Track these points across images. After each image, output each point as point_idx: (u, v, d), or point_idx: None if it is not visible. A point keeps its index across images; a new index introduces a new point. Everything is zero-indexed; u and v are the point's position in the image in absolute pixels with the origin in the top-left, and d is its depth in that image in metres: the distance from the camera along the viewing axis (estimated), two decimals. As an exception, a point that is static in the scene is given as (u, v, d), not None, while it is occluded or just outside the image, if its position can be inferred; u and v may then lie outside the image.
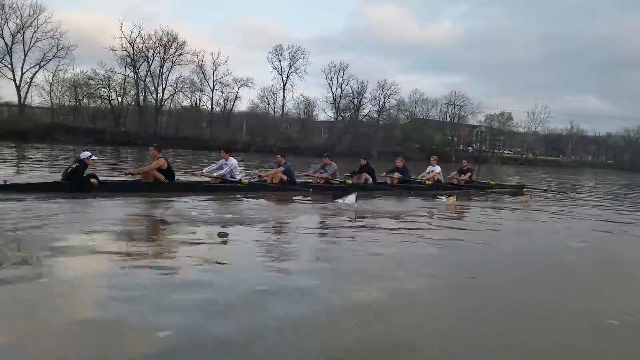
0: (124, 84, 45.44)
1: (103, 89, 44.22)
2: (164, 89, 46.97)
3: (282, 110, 54.43)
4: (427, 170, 12.41)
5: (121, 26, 46.58)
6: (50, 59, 40.76)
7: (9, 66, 39.81)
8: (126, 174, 8.24)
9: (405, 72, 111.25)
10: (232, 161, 9.08)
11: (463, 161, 13.70)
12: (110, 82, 44.41)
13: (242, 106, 61.00)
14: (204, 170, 9.36)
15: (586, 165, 71.43)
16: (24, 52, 40.25)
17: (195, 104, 49.91)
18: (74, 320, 2.63)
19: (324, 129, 60.09)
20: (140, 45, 44.77)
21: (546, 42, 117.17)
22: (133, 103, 46.40)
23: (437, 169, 12.28)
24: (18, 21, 39.47)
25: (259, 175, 10.20)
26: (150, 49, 45.29)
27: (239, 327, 2.68)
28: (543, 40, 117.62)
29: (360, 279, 3.89)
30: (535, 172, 40.38)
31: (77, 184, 7.25)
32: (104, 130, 40.31)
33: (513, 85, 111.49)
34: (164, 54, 45.82)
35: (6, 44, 39.38)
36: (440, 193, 10.80)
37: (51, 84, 42.12)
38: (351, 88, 58.83)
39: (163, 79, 46.53)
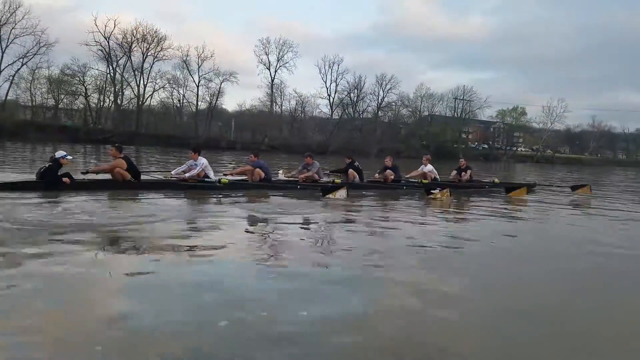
0: (105, 80, 46.45)
1: (80, 86, 45.19)
2: (145, 85, 47.89)
3: (272, 107, 54.65)
4: (419, 170, 12.46)
5: (95, 20, 45.81)
6: (32, 57, 42.15)
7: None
8: (83, 173, 8.44)
9: (436, 69, 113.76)
10: (202, 161, 9.21)
11: (460, 160, 13.72)
12: (88, 78, 45.52)
13: (232, 103, 61.92)
14: (172, 172, 9.52)
15: (612, 164, 69.79)
16: (1, 49, 41.62)
17: (179, 100, 50.84)
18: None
19: (331, 126, 60.06)
20: (120, 38, 45.83)
21: (585, 35, 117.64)
22: (111, 100, 47.42)
23: (429, 167, 12.30)
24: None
25: (230, 174, 10.22)
26: (126, 44, 46.11)
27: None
28: (581, 32, 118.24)
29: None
30: (541, 171, 39.64)
31: (49, 183, 7.62)
32: (77, 127, 41.14)
33: (549, 81, 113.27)
34: (146, 49, 46.80)
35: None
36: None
37: (31, 81, 43.55)
38: (348, 82, 59.21)
39: (144, 74, 47.50)
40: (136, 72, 47.12)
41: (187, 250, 4.45)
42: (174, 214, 6.39)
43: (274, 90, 54.37)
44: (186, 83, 50.41)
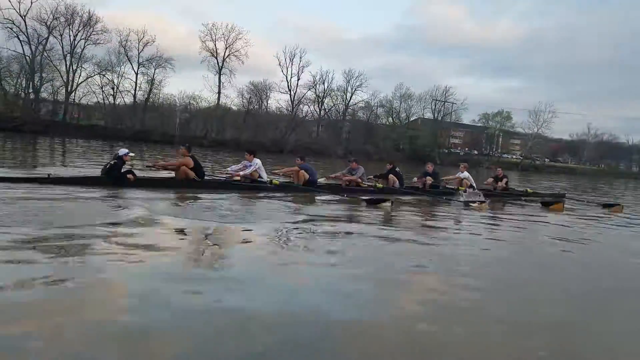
0: (33, 65, 45.53)
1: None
2: (74, 71, 47.27)
3: (218, 100, 54.26)
4: (456, 176, 13.74)
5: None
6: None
7: None
8: (149, 166, 9.84)
9: (462, 75, 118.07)
10: (256, 162, 10.36)
11: (498, 169, 15.09)
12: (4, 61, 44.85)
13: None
14: (228, 169, 10.94)
15: (612, 175, 70.26)
16: None
17: (112, 88, 50.02)
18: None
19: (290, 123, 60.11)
20: (46, 18, 45.01)
21: (622, 44, 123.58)
22: (36, 85, 46.54)
23: (465, 174, 13.45)
24: None
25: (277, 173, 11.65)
26: (44, 23, 45.20)
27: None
28: (619, 41, 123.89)
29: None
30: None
31: (115, 179, 8.70)
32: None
33: (578, 89, 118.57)
34: (77, 30, 46.24)
35: None
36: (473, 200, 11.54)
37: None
38: (314, 77, 59.43)
39: (74, 59, 46.90)
40: (66, 57, 46.68)
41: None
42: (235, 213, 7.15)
43: (221, 80, 54.18)
44: (123, 70, 50.02)
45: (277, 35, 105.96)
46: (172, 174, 9.86)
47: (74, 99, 48.82)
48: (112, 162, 8.98)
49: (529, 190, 15.15)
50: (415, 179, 13.06)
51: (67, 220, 5.19)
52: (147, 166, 9.92)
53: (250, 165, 10.28)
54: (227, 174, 10.63)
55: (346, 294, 3.51)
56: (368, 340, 2.77)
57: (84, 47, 47.42)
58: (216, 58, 52.87)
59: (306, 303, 3.31)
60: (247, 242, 5.24)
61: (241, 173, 10.25)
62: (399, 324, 3.06)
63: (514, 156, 77.28)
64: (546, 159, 78.05)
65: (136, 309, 2.87)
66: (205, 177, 9.96)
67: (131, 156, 9.35)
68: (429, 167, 13.11)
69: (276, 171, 11.49)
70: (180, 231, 5.35)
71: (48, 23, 45.43)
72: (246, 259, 4.40)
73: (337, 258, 4.65)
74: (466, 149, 77.52)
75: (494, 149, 76.41)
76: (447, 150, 69.21)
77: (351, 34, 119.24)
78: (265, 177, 10.38)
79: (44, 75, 46.64)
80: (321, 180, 11.71)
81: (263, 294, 3.36)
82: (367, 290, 3.68)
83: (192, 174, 9.54)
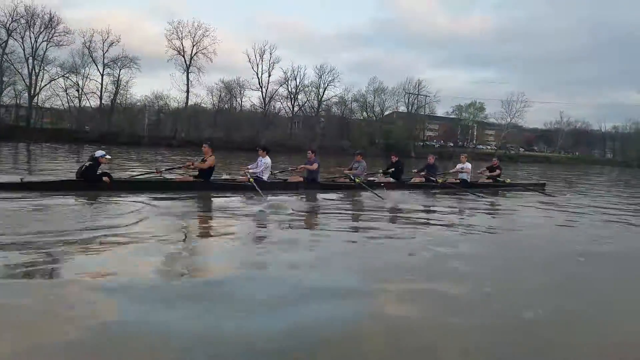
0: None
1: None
2: (37, 74, 46.26)
3: (187, 99, 53.69)
4: (457, 168, 14.08)
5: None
6: None
7: None
8: (184, 166, 10.14)
9: (437, 68, 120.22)
10: (266, 160, 10.41)
11: (494, 159, 15.92)
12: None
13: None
14: (249, 167, 10.80)
15: (586, 162, 71.72)
16: None
17: (77, 91, 49.00)
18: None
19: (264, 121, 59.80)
20: (4, 20, 44.05)
21: (592, 32, 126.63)
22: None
23: (468, 165, 13.84)
24: None
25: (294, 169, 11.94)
26: (2, 26, 44.21)
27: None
28: (589, 30, 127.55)
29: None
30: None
31: (90, 182, 8.53)
32: None
33: (551, 80, 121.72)
34: (38, 32, 45.27)
35: None
36: (474, 191, 12.40)
37: None
38: (285, 73, 59.33)
39: (37, 62, 45.88)
40: (28, 60, 45.63)
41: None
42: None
43: (189, 77, 53.40)
44: (88, 72, 49.12)
45: (250, 33, 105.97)
46: (148, 177, 9.85)
47: (37, 103, 47.70)
48: (87, 164, 8.78)
49: (507, 180, 15.82)
50: (414, 170, 13.60)
51: None
52: (183, 166, 10.24)
53: (262, 163, 10.38)
54: (244, 171, 10.56)
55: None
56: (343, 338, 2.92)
57: (46, 49, 46.52)
58: (183, 56, 52.38)
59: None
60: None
61: (250, 171, 10.32)
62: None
63: (489, 147, 78.16)
64: (521, 149, 79.21)
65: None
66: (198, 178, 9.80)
67: (107, 158, 9.13)
68: (430, 159, 13.58)
69: (297, 168, 11.75)
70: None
71: (7, 25, 44.42)
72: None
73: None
74: (441, 141, 78.07)
75: (469, 141, 77.12)
76: (422, 143, 69.58)
77: (325, 29, 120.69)
78: (266, 177, 10.39)
79: (4, 79, 45.52)
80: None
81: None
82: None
83: (189, 178, 9.68)
